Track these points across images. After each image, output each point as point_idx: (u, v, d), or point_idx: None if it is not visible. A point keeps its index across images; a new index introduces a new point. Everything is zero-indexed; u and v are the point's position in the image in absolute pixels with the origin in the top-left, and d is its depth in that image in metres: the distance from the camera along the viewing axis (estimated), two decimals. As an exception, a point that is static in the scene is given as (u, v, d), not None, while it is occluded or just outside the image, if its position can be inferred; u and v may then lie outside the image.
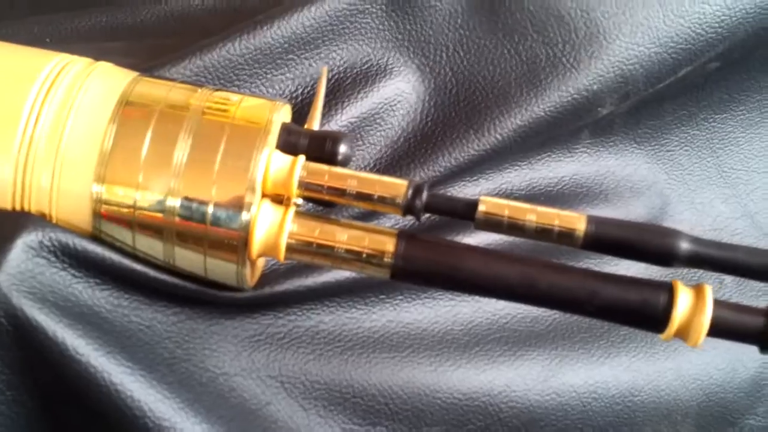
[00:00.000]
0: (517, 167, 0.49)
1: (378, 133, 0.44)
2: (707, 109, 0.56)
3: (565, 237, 0.33)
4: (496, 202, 0.33)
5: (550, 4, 0.45)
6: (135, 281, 0.36)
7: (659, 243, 0.33)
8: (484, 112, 0.45)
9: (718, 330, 0.33)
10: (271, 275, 0.39)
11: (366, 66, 0.44)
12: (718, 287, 0.53)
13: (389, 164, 0.44)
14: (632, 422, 0.49)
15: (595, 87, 0.46)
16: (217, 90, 0.35)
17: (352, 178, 0.34)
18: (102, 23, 0.52)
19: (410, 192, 0.33)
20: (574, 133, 0.50)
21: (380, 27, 0.44)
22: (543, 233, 0.33)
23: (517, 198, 0.48)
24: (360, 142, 0.44)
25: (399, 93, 0.45)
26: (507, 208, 0.33)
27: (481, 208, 0.33)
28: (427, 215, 0.36)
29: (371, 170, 0.44)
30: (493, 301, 0.47)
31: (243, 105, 0.34)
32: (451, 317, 0.46)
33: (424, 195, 0.34)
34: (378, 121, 0.44)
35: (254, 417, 0.38)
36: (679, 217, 0.56)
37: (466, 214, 0.34)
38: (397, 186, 0.34)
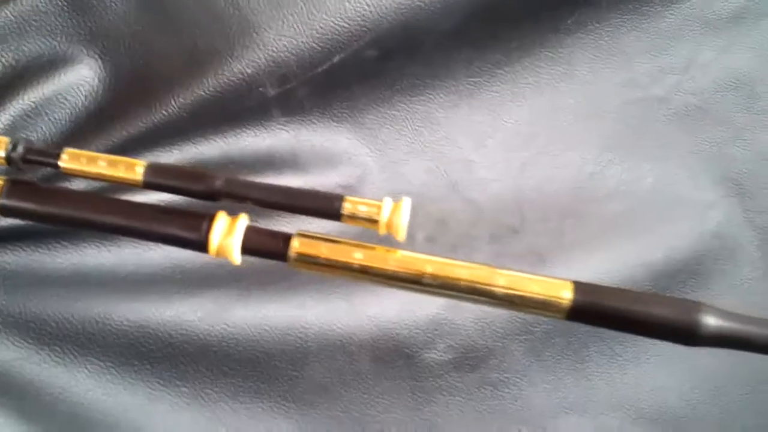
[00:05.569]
0: (210, 140, 0.58)
1: (62, 111, 0.54)
2: (400, 94, 0.64)
3: (127, 183, 0.43)
4: (78, 151, 0.43)
5: (208, 4, 0.55)
6: None
7: (202, 184, 0.43)
8: (152, 93, 0.54)
9: (249, 250, 0.42)
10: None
11: (52, 56, 0.54)
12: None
13: (71, 137, 0.54)
14: (305, 350, 0.57)
15: (249, 71, 0.55)
16: None
17: (-34, 137, 0.43)
18: None
19: (10, 146, 0.43)
20: (263, 111, 0.60)
21: (63, 24, 0.54)
22: (108, 179, 0.43)
23: (209, 166, 0.57)
24: (46, 118, 0.53)
25: (82, 78, 0.54)
26: (85, 156, 0.43)
27: (63, 159, 0.43)
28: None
29: (52, 144, 0.54)
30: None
31: None
32: (133, 261, 0.55)
33: (20, 148, 0.43)
34: (62, 101, 0.54)
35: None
36: (379, 184, 0.64)
37: (51, 162, 0.43)
38: (-3, 141, 0.43)
